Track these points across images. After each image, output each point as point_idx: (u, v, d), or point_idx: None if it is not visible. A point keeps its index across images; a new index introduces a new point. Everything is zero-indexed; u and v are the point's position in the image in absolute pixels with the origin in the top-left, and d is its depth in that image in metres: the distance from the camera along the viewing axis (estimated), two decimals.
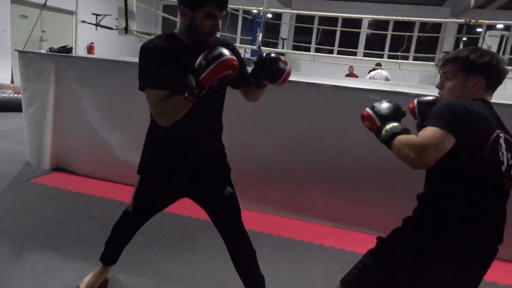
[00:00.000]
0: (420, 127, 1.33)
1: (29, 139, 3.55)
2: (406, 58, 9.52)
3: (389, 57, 9.76)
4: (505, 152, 1.15)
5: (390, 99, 1.30)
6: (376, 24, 10.84)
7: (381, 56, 9.86)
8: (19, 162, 3.56)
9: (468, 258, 1.16)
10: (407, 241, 1.21)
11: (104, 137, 3.28)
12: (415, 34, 9.26)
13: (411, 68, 8.60)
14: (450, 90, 1.24)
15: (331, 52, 10.63)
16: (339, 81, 3.37)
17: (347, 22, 10.10)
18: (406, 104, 2.73)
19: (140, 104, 3.13)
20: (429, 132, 1.07)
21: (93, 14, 6.26)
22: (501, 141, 1.15)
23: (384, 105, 1.26)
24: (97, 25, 5.79)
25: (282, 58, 1.47)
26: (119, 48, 9.52)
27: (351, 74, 9.02)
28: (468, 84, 1.21)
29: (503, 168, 1.15)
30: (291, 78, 1.54)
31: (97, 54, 8.69)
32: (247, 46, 8.92)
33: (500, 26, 8.32)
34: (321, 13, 7.39)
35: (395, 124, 1.19)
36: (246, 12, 8.70)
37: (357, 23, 10.23)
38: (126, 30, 4.18)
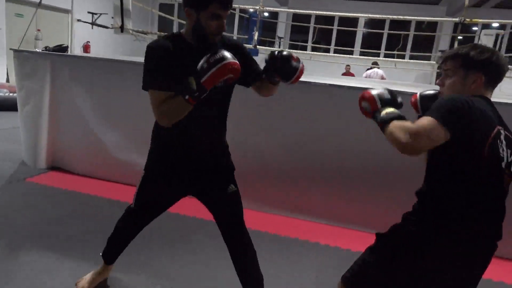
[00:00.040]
0: None
1: (25, 138, 3.53)
2: (403, 57, 9.56)
3: (386, 56, 9.78)
4: (505, 149, 1.15)
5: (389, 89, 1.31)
6: (373, 23, 10.86)
7: (378, 55, 9.87)
8: (15, 161, 3.55)
9: (468, 258, 1.16)
10: (406, 240, 1.20)
11: (100, 136, 3.27)
12: (411, 33, 9.29)
13: (407, 67, 8.64)
14: (450, 87, 1.24)
15: (327, 51, 10.65)
16: (335, 80, 3.38)
17: (343, 21, 10.11)
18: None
19: (136, 103, 3.16)
20: (425, 121, 1.08)
21: (89, 12, 6.21)
22: (502, 137, 1.15)
23: (386, 92, 1.27)
24: (92, 23, 5.76)
25: (295, 56, 1.44)
26: (115, 46, 9.49)
27: (347, 73, 9.03)
28: (468, 80, 1.21)
29: (503, 164, 1.14)
30: None
31: (93, 52, 8.66)
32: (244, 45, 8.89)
33: (495, 24, 8.37)
34: (318, 12, 7.39)
35: (394, 109, 1.20)
36: (242, 11, 8.69)
37: (353, 22, 10.25)
38: (122, 28, 4.17)
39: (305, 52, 9.92)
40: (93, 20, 5.94)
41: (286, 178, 2.86)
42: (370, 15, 8.03)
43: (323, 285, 2.09)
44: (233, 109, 1.65)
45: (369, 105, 1.26)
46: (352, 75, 8.88)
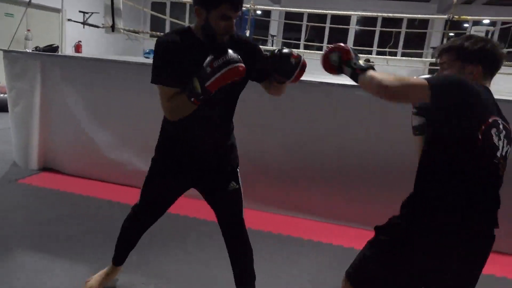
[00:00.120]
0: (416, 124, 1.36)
1: (16, 139, 3.51)
2: (395, 54, 9.59)
3: (378, 53, 9.81)
4: (502, 138, 1.14)
5: None
6: (365, 21, 10.89)
7: (370, 52, 9.90)
8: (6, 162, 3.52)
9: (465, 250, 1.15)
10: (403, 234, 1.20)
11: (91, 136, 3.26)
12: (403, 30, 9.33)
13: (399, 64, 8.66)
14: None
15: (320, 49, 10.65)
16: (327, 77, 3.38)
17: (336, 19, 10.13)
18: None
19: (127, 102, 3.16)
20: (416, 78, 1.11)
21: (80, 12, 6.16)
22: (501, 127, 1.15)
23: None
24: (83, 23, 5.72)
25: (295, 53, 1.42)
26: (107, 46, 9.42)
27: None
28: (464, 72, 1.21)
29: (498, 153, 1.13)
30: None
31: (85, 52, 8.60)
32: None
33: (486, 21, 8.43)
34: (310, 10, 7.40)
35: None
36: None
37: (346, 19, 10.26)
38: (113, 28, 4.15)
39: (298, 50, 9.92)
40: (84, 19, 5.89)
41: (286, 178, 2.87)
42: (362, 13, 8.05)
43: (324, 283, 2.10)
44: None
45: (341, 56, 1.27)
46: None
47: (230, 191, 1.61)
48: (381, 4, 10.14)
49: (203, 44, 1.41)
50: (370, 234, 1.30)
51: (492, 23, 8.49)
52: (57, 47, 3.85)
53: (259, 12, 10.13)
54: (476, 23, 7.57)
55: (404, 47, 10.02)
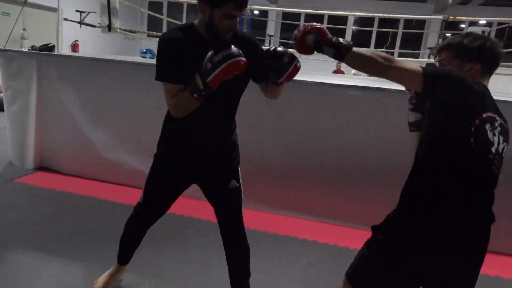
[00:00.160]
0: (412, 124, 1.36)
1: (12, 138, 3.50)
2: (392, 54, 9.62)
3: None
4: (497, 134, 1.13)
5: None
6: (362, 21, 10.92)
7: None
8: (2, 162, 3.51)
9: (461, 248, 1.14)
10: (401, 233, 1.19)
11: (88, 135, 3.26)
12: (400, 30, 9.36)
13: None
14: None
15: None
16: (321, 77, 3.40)
17: (333, 19, 10.15)
18: (385, 99, 2.77)
19: (124, 102, 3.15)
20: (412, 64, 1.13)
21: (77, 11, 6.15)
22: (497, 124, 1.14)
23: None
24: (79, 22, 5.71)
25: (289, 52, 1.41)
26: (104, 45, 9.40)
27: (338, 71, 9.07)
28: (464, 69, 1.21)
29: (493, 149, 1.12)
30: None
31: (82, 52, 8.58)
32: None
33: (483, 22, 8.47)
34: (307, 10, 7.42)
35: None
36: None
37: (343, 20, 10.28)
38: (109, 27, 4.14)
39: (295, 50, 9.92)
40: (82, 18, 5.88)
41: (285, 178, 2.87)
42: (359, 13, 8.07)
43: (324, 283, 2.10)
44: None
45: (319, 37, 1.26)
46: (343, 72, 8.93)
47: (230, 190, 1.61)
48: (378, 4, 10.17)
49: (206, 41, 1.41)
50: (369, 234, 1.30)
51: (488, 24, 8.53)
52: (53, 46, 3.84)
53: (256, 12, 10.13)
54: (473, 23, 7.60)
55: (401, 47, 10.05)
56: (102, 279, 1.85)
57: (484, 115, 1.12)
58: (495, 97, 1.23)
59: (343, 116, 2.73)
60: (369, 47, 10.12)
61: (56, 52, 3.85)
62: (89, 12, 5.95)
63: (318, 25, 1.30)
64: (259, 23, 10.90)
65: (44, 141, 3.40)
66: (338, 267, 1.31)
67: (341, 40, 1.23)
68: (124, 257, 1.86)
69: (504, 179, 2.28)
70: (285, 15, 10.74)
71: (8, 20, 7.28)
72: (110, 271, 1.87)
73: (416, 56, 9.70)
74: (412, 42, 10.67)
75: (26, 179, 3.20)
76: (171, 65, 1.40)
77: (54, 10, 8.53)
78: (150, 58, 6.17)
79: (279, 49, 1.42)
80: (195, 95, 1.34)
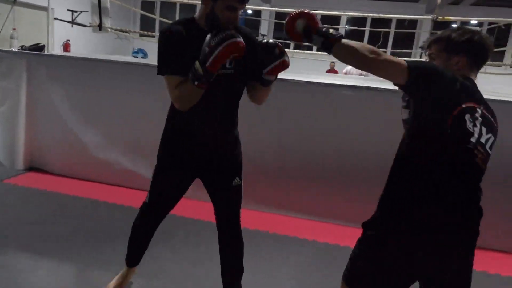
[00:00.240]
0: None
1: (2, 139, 3.47)
2: None
3: None
4: (478, 125, 1.12)
5: None
6: (355, 21, 10.97)
7: None
8: None
9: (446, 244, 1.13)
10: (383, 227, 1.20)
11: (79, 136, 3.24)
12: (392, 30, 9.40)
13: None
14: None
15: (310, 48, 10.68)
16: (312, 77, 3.41)
17: (326, 18, 10.18)
18: (376, 99, 2.77)
19: (115, 102, 3.14)
20: (397, 58, 1.14)
21: (68, 10, 6.10)
22: (477, 115, 1.13)
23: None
24: (70, 22, 5.67)
25: (281, 46, 1.40)
26: (96, 45, 9.35)
27: (332, 70, 9.10)
28: (451, 63, 1.22)
29: (473, 139, 1.10)
30: None
31: (74, 51, 8.52)
32: None
33: (474, 22, 8.53)
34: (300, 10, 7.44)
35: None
36: None
37: (336, 20, 10.31)
38: (100, 27, 4.12)
39: (288, 49, 9.95)
40: (73, 18, 5.84)
41: (285, 178, 2.87)
42: (352, 13, 8.10)
43: (324, 283, 2.11)
44: None
45: (308, 24, 1.25)
46: (336, 72, 8.95)
47: (233, 188, 1.62)
48: (371, 4, 10.22)
49: (206, 34, 1.40)
50: None
51: (479, 24, 8.60)
52: (43, 46, 3.81)
53: (249, 11, 10.13)
54: (465, 24, 7.67)
55: (393, 47, 10.10)
56: (113, 282, 1.84)
57: (463, 105, 1.12)
58: (486, 97, 1.23)
59: (343, 115, 2.74)
60: None
61: (46, 52, 3.82)
62: (80, 12, 5.90)
63: (308, 11, 1.29)
64: (252, 22, 10.90)
65: (34, 141, 3.38)
66: (338, 267, 1.32)
67: (331, 30, 1.22)
68: (133, 259, 1.85)
69: (504, 179, 2.31)
70: (278, 15, 10.74)
71: None
72: (120, 274, 1.86)
73: (409, 55, 9.76)
74: (405, 42, 10.74)
75: (16, 179, 3.17)
76: (172, 58, 1.41)
77: (45, 9, 8.48)
78: (142, 57, 6.14)
79: (271, 41, 1.42)
80: (196, 83, 1.33)
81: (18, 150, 3.35)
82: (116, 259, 2.11)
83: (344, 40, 1.19)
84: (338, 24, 10.39)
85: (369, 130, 2.69)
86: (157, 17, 9.12)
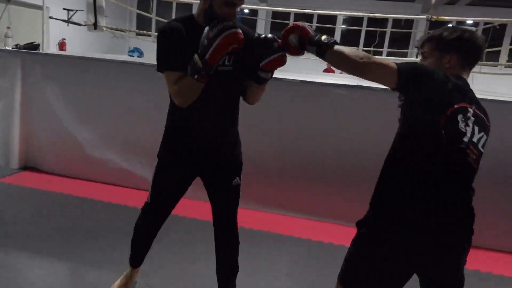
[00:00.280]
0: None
1: None
2: (380, 53, 9.70)
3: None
4: (470, 125, 1.13)
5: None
6: (351, 20, 10.98)
7: None
8: None
9: (438, 242, 1.13)
10: (375, 225, 1.20)
11: (74, 134, 3.24)
12: (388, 30, 9.43)
13: None
14: None
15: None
16: (307, 76, 3.41)
17: (322, 18, 10.19)
18: (371, 98, 2.78)
19: (109, 101, 3.13)
20: (388, 61, 1.15)
21: (64, 9, 6.08)
22: (469, 115, 1.14)
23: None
24: (66, 21, 5.64)
25: (279, 41, 1.37)
26: (92, 44, 9.31)
27: (329, 69, 9.11)
28: (443, 61, 1.22)
29: (465, 139, 1.11)
30: None
31: (70, 50, 8.48)
32: None
33: (469, 22, 8.57)
34: (297, 9, 7.44)
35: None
36: None
37: (332, 19, 10.32)
38: (95, 26, 4.11)
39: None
40: (69, 16, 5.82)
41: (285, 177, 2.88)
42: (348, 13, 8.11)
43: (324, 283, 2.09)
44: None
45: (301, 36, 1.26)
46: (333, 71, 8.96)
47: (233, 188, 1.62)
48: (367, 3, 10.24)
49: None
50: None
51: (475, 24, 8.64)
52: (38, 45, 3.80)
53: (246, 11, 10.12)
54: (460, 23, 7.70)
55: (390, 46, 10.13)
56: (117, 283, 1.84)
57: (456, 106, 1.13)
58: (483, 97, 1.23)
59: (342, 115, 2.75)
60: (358, 45, 10.18)
61: (41, 51, 3.81)
62: (76, 10, 5.88)
63: (299, 23, 1.30)
64: (249, 22, 10.89)
65: (29, 140, 3.37)
66: (339, 267, 1.32)
67: (323, 38, 1.23)
68: (136, 260, 1.84)
69: (504, 179, 2.32)
70: (275, 14, 10.75)
71: None
72: (124, 274, 1.86)
73: (405, 55, 9.78)
74: (401, 42, 10.76)
75: (11, 179, 3.16)
76: (171, 54, 1.41)
77: (40, 8, 8.43)
78: (138, 56, 6.13)
79: (270, 35, 1.41)
80: (196, 76, 1.33)
81: (13, 149, 3.33)
82: (112, 257, 2.11)
83: (336, 47, 1.20)
84: (335, 24, 10.40)
85: (368, 130, 2.70)
86: (153, 16, 9.08)
